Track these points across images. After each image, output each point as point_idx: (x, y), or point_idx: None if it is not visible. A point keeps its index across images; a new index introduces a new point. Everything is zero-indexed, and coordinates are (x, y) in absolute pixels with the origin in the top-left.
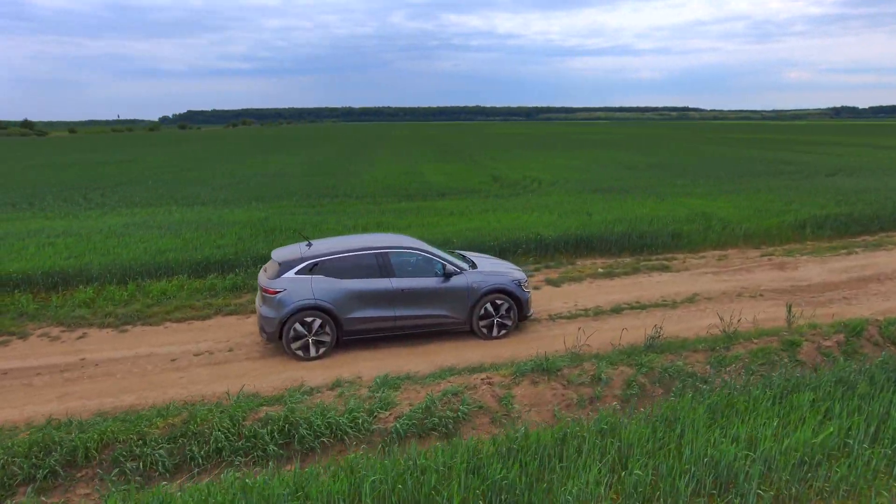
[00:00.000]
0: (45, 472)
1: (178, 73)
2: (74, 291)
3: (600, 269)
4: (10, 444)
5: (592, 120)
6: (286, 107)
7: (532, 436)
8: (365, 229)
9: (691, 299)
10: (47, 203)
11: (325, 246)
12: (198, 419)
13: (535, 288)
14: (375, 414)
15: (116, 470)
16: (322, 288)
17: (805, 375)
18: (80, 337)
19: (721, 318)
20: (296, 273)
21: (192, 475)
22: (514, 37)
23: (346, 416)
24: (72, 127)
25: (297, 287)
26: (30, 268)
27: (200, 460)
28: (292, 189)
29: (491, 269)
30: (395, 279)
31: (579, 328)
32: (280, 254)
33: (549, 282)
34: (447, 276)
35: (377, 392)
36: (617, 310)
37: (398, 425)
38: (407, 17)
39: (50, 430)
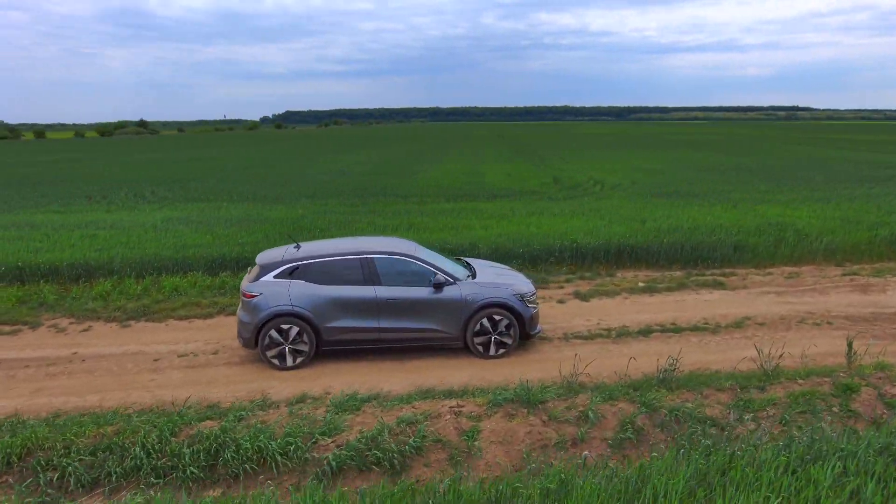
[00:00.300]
0: None
1: (279, 75)
2: (95, 283)
3: (640, 283)
4: None
5: (689, 120)
6: (377, 107)
7: (452, 492)
8: (395, 230)
9: (739, 324)
10: (118, 196)
11: (313, 249)
12: (128, 431)
13: (560, 301)
14: (316, 440)
15: (30, 480)
16: (300, 293)
17: (839, 437)
18: (85, 330)
19: (759, 351)
20: (274, 277)
21: (103, 493)
22: (608, 34)
23: (281, 440)
24: (181, 126)
25: (275, 291)
26: (58, 259)
27: (115, 477)
28: (345, 188)
29: (491, 280)
30: (379, 287)
31: (576, 354)
32: (263, 256)
33: (578, 295)
34: (438, 286)
35: (332, 413)
36: (646, 331)
37: (332, 457)
38: (498, 17)
39: None
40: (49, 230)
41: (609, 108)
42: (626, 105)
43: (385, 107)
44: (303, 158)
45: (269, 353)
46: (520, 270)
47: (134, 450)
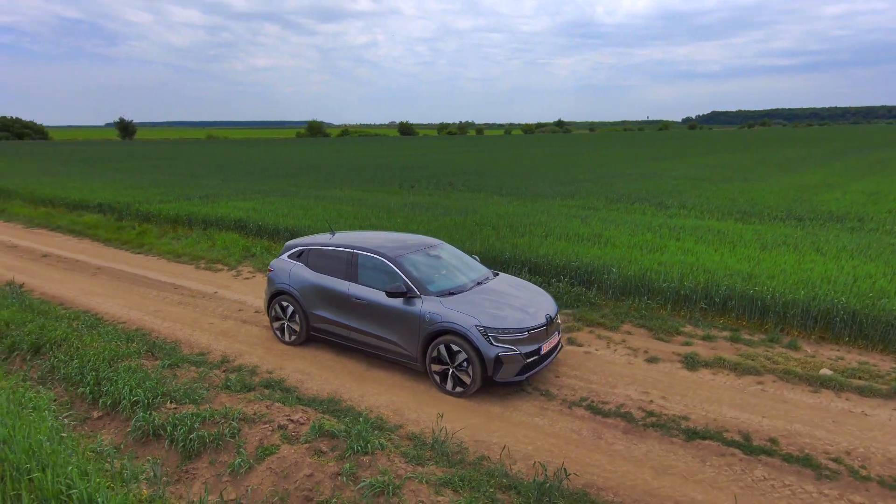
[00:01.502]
0: None
1: (711, 74)
2: None
3: (825, 370)
4: None
5: None
6: (827, 106)
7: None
8: (561, 237)
9: None
10: (423, 184)
11: (338, 238)
12: (103, 349)
13: (651, 360)
14: (163, 402)
15: (43, 362)
16: (296, 275)
17: None
18: (238, 275)
19: None
20: (287, 257)
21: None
22: None
23: (136, 391)
24: (592, 126)
25: (282, 270)
26: (283, 223)
27: (64, 374)
28: (611, 192)
29: (461, 303)
30: (353, 284)
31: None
32: (296, 239)
33: (687, 360)
34: (395, 294)
35: (215, 388)
36: (701, 435)
37: (140, 418)
38: None
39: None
40: (342, 203)
41: None
42: None
43: (838, 105)
44: (647, 160)
45: (275, 325)
46: (571, 304)
47: (76, 348)
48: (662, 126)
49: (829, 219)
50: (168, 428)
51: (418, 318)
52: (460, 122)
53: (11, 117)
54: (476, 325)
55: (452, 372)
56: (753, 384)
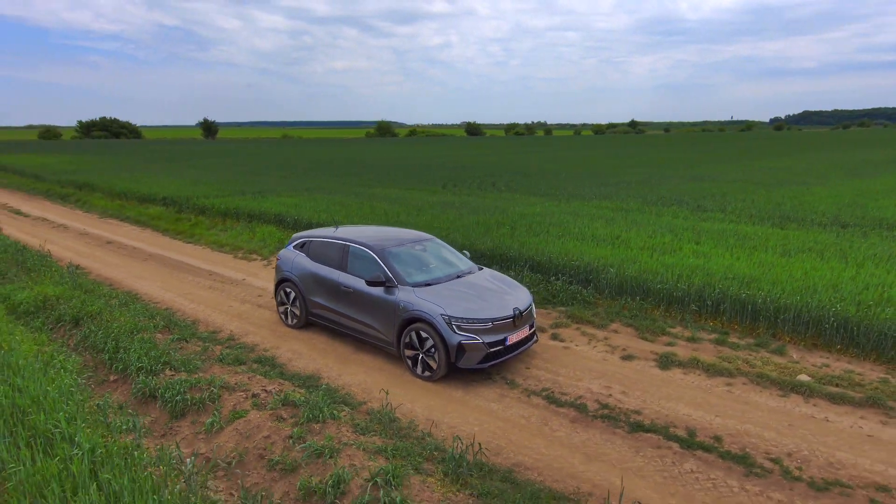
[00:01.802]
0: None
1: (806, 71)
2: None
3: (803, 376)
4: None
5: None
6: None
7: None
8: (578, 239)
9: (827, 486)
10: (468, 184)
11: (339, 231)
12: (126, 325)
13: (626, 358)
14: (163, 370)
15: (80, 332)
16: (297, 264)
17: None
18: (269, 265)
19: None
20: (293, 247)
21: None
22: None
23: (142, 357)
24: (667, 126)
25: (286, 259)
26: (313, 217)
27: (86, 339)
28: (651, 196)
29: (432, 293)
30: (343, 274)
31: (449, 431)
32: (302, 231)
33: (663, 360)
34: (374, 283)
35: (210, 360)
36: (644, 428)
37: (140, 381)
38: None
39: (84, 298)
40: (379, 201)
41: None
42: None
43: None
44: (708, 162)
45: (280, 310)
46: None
47: (103, 312)
48: (746, 127)
49: (877, 226)
50: (161, 391)
51: (395, 305)
52: (531, 122)
53: (110, 118)
54: (441, 314)
55: (422, 357)
56: (722, 385)
